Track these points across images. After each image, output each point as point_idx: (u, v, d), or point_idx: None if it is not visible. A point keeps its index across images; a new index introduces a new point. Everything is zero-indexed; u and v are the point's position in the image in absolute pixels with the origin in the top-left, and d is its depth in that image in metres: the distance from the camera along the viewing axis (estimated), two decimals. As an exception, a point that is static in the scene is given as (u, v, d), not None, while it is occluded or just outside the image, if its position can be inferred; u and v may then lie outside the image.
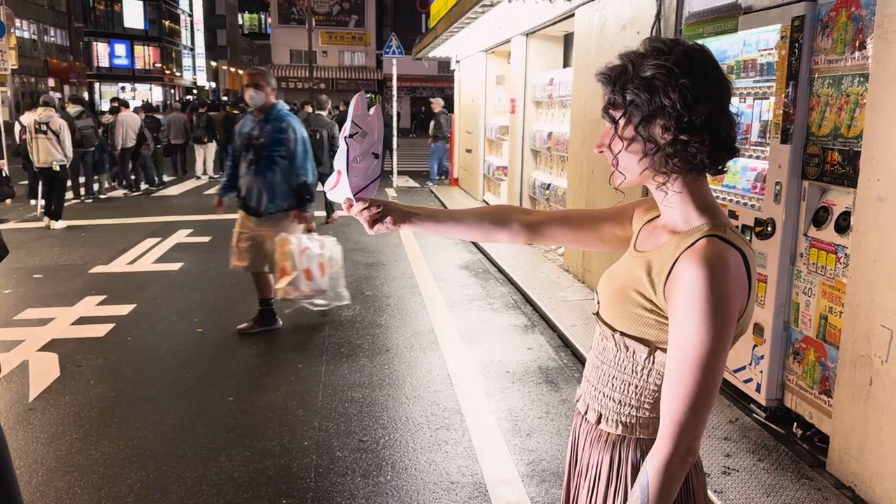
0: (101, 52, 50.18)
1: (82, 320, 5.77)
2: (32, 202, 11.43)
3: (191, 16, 60.93)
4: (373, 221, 1.55)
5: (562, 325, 5.51)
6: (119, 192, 13.89)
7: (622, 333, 1.38)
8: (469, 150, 13.52)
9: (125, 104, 14.33)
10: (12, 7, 34.24)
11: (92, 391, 4.40)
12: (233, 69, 63.71)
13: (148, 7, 51.86)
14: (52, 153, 10.10)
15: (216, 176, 16.43)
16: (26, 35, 36.88)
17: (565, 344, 5.27)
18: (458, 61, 14.83)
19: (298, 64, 37.88)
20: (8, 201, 11.70)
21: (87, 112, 12.44)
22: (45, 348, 5.08)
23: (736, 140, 1.35)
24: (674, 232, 1.37)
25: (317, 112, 10.73)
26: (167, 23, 55.06)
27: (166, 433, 3.85)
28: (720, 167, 1.35)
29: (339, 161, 1.55)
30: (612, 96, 1.32)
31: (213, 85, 64.62)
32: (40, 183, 10.49)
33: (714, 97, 1.28)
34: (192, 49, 61.63)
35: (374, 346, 5.15)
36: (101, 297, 6.41)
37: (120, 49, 51.11)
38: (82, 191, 12.84)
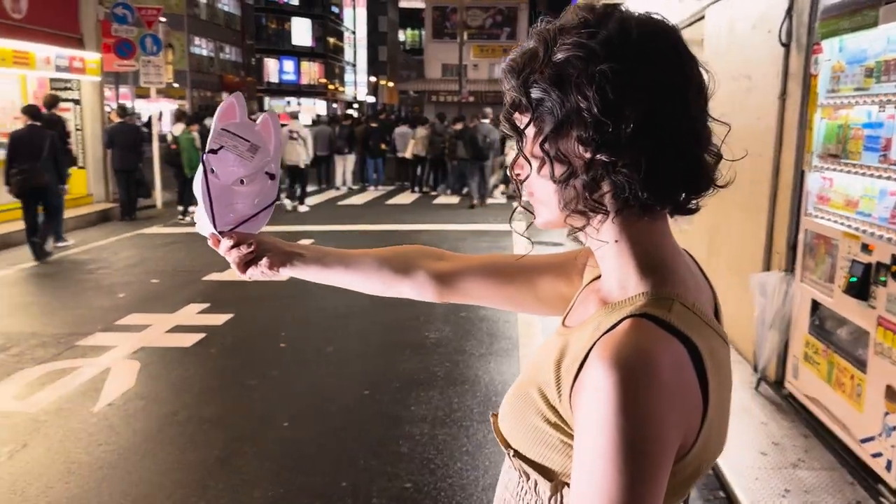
0: (272, 68, 53.49)
1: (177, 328, 5.81)
2: (179, 208, 12.06)
3: (354, 33, 63.63)
4: (245, 263, 1.18)
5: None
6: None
7: (517, 454, 0.91)
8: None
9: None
10: (194, 28, 37.40)
11: (157, 405, 4.34)
12: (390, 84, 65.83)
13: (315, 25, 54.68)
14: (299, 154, 12.81)
15: (355, 187, 16.75)
16: (204, 52, 39.99)
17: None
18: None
19: (449, 78, 38.35)
20: (158, 206, 12.49)
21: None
22: (132, 356, 5.12)
23: (706, 166, 0.85)
24: (605, 302, 0.89)
25: (482, 120, 13.99)
26: (332, 40, 57.81)
27: (209, 459, 3.67)
28: (684, 205, 0.86)
29: (197, 186, 1.19)
30: (516, 95, 0.86)
31: (374, 99, 67.05)
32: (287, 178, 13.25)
33: (661, 94, 0.80)
34: (354, 65, 64.34)
35: (450, 376, 4.76)
36: (204, 305, 6.47)
37: (288, 65, 54.24)
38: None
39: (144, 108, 28.05)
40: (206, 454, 3.72)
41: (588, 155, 0.81)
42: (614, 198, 0.82)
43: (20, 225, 8.75)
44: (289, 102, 53.55)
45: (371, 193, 15.92)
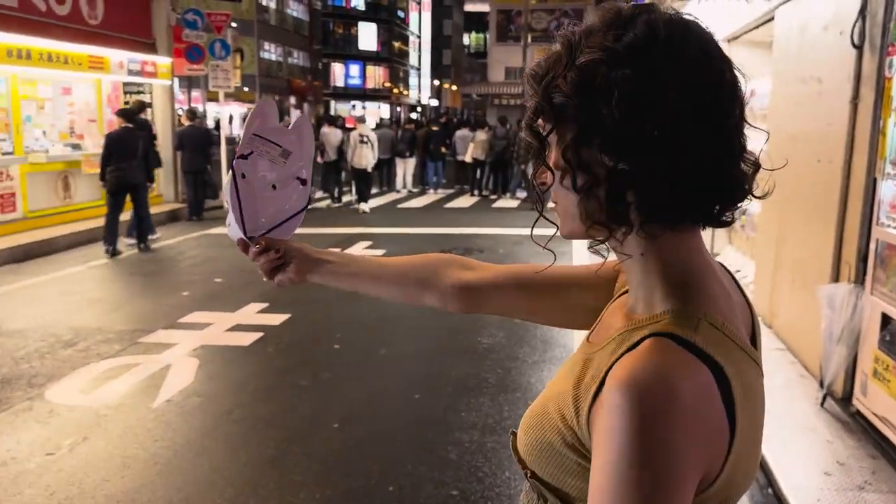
0: (338, 73, 54.30)
1: (237, 327, 5.92)
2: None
3: (419, 37, 64.08)
4: (272, 270, 1.18)
5: (727, 377, 4.68)
6: (322, 203, 14.66)
7: (533, 476, 0.87)
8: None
9: (330, 120, 15.18)
10: (263, 33, 38.24)
11: (213, 403, 4.42)
12: (454, 87, 66.03)
13: (381, 29, 55.27)
14: (367, 157, 13.21)
15: (415, 190, 16.85)
16: (273, 57, 40.87)
17: (727, 401, 4.47)
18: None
19: (513, 81, 38.29)
20: (225, 206, 12.79)
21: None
22: (192, 354, 5.25)
23: (739, 176, 0.80)
24: (630, 318, 0.84)
25: None
26: (397, 44, 58.32)
27: (261, 458, 3.71)
28: (718, 217, 0.81)
29: (228, 191, 1.19)
30: (539, 102, 0.83)
31: (437, 102, 67.36)
32: (353, 179, 13.81)
33: (689, 100, 0.75)
34: (418, 69, 64.77)
35: (502, 383, 4.71)
36: (263, 305, 6.57)
37: (354, 69, 54.95)
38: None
39: (215, 112, 28.85)
40: (258, 453, 3.77)
41: (610, 164, 0.77)
42: (638, 209, 0.78)
43: (96, 223, 9.15)
44: (354, 106, 54.21)
45: (430, 196, 16.01)
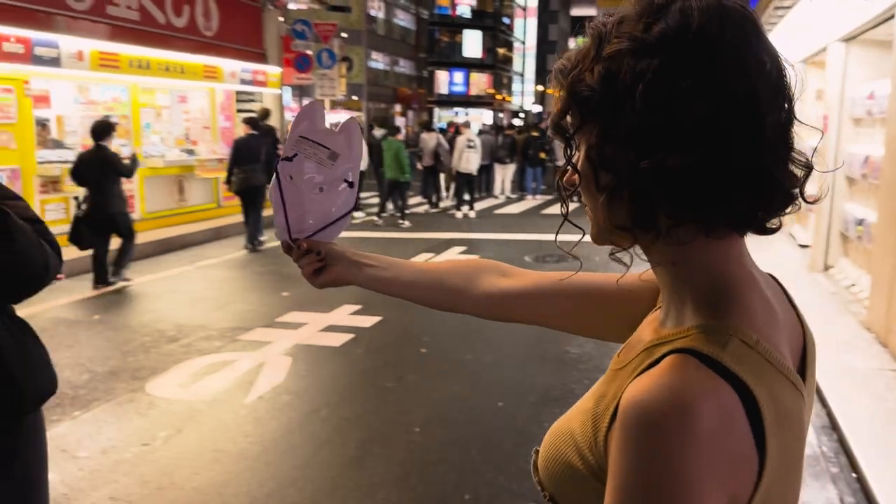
0: (442, 80, 54.87)
1: (330, 328, 6.06)
2: (358, 214, 12.67)
3: (523, 43, 63.90)
4: (315, 272, 1.18)
5: (834, 398, 4.38)
6: (420, 209, 14.82)
7: (551, 499, 0.82)
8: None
9: (427, 127, 15.39)
10: (373, 44, 39.12)
11: (302, 401, 4.53)
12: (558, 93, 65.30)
13: (486, 37, 55.46)
14: (474, 162, 13.65)
15: (513, 196, 16.77)
16: (380, 66, 41.78)
17: (832, 424, 4.18)
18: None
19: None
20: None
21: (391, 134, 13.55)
22: (286, 352, 5.41)
23: (781, 178, 0.72)
24: (658, 332, 0.78)
25: None
26: (502, 51, 58.35)
27: (343, 457, 3.77)
28: (760, 223, 0.74)
29: (273, 192, 1.20)
30: (567, 98, 0.79)
31: (540, 108, 66.92)
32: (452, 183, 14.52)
33: (724, 94, 0.69)
34: (521, 75, 64.61)
35: (588, 394, 4.59)
36: (357, 307, 6.70)
37: (458, 77, 55.36)
38: (389, 206, 13.91)
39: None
40: (340, 453, 3.83)
41: (636, 161, 0.71)
42: (666, 212, 0.72)
43: (207, 225, 9.63)
44: (457, 113, 54.59)
45: (528, 202, 15.89)
